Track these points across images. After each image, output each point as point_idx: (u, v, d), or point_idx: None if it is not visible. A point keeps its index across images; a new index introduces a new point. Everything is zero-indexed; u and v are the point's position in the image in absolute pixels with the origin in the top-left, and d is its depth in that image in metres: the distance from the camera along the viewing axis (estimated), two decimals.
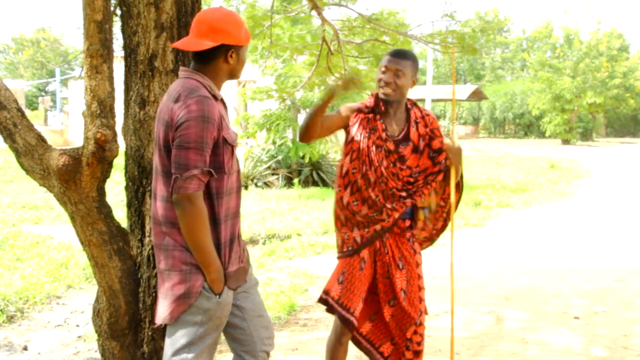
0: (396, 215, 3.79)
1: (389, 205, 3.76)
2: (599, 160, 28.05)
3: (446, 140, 3.89)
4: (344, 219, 3.86)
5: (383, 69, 3.77)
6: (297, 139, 3.79)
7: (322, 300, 3.89)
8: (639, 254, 8.97)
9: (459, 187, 3.96)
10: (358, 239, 3.82)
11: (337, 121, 3.84)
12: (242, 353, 3.12)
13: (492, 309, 6.29)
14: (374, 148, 3.75)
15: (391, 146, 3.77)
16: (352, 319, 3.77)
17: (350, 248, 3.84)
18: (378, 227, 3.79)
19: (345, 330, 3.84)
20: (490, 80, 64.39)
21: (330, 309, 3.84)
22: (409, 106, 3.91)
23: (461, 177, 3.95)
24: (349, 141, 3.83)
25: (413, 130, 3.83)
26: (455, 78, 4.16)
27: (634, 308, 6.37)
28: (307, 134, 3.70)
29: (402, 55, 3.77)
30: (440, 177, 3.87)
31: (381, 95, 3.80)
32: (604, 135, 57.11)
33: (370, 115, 3.81)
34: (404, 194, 3.79)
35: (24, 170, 3.72)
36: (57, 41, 54.43)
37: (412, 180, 3.83)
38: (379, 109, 3.82)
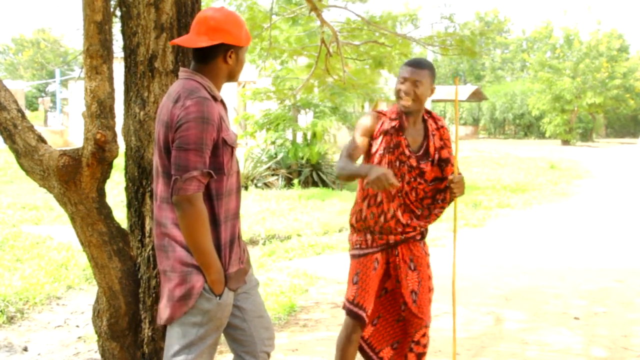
0: (411, 233, 3.81)
1: (404, 221, 3.77)
2: (599, 161, 28.06)
3: (450, 176, 3.85)
4: (360, 227, 3.88)
5: (401, 79, 3.75)
6: (337, 178, 3.91)
7: (343, 306, 3.92)
8: (638, 255, 8.97)
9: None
10: (369, 240, 3.84)
11: (366, 144, 3.84)
12: (242, 354, 3.12)
13: (492, 309, 6.29)
14: (397, 163, 3.75)
15: (414, 162, 3.78)
16: (363, 314, 3.78)
17: (358, 246, 3.87)
18: (392, 239, 3.81)
19: (356, 327, 3.84)
20: (490, 81, 64.38)
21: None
22: (425, 117, 3.90)
23: None
24: (372, 154, 3.82)
25: (431, 144, 3.84)
26: (457, 100, 4.14)
27: (634, 308, 6.37)
28: (347, 180, 3.88)
29: (419, 65, 3.75)
30: (447, 195, 3.86)
31: (400, 107, 3.78)
32: (604, 136, 57.09)
33: (395, 130, 3.80)
34: (419, 212, 3.81)
35: (24, 171, 3.72)
36: (57, 42, 54.42)
37: (429, 194, 3.84)
38: (403, 125, 3.81)
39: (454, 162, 3.88)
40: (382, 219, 3.77)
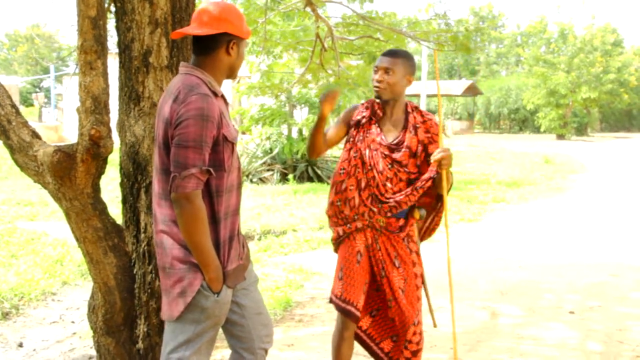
0: (378, 218, 3.79)
1: (374, 209, 3.77)
2: (594, 155, 28.11)
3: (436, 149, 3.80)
4: (331, 214, 3.92)
5: (375, 68, 3.81)
6: (307, 155, 3.93)
7: (331, 301, 3.94)
8: (633, 249, 8.99)
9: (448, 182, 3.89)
10: (341, 232, 3.88)
11: (340, 131, 3.95)
12: (240, 350, 3.11)
13: (488, 304, 6.30)
14: (367, 151, 3.77)
15: (385, 151, 3.78)
16: (353, 309, 3.78)
17: (334, 242, 3.96)
18: (359, 224, 3.81)
19: (348, 323, 3.84)
20: (485, 76, 64.45)
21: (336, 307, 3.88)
22: (409, 110, 3.89)
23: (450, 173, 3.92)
24: (346, 142, 3.91)
25: (410, 135, 3.81)
26: (438, 77, 4.14)
27: (629, 303, 6.38)
28: (313, 151, 3.90)
29: (392, 54, 3.80)
30: (429, 183, 3.80)
31: (374, 95, 3.84)
32: (598, 130, 57.21)
33: (366, 119, 3.83)
34: (391, 201, 3.76)
35: (19, 166, 3.71)
36: (51, 37, 54.29)
37: (405, 186, 3.81)
38: (375, 113, 3.83)
39: (439, 139, 3.85)
40: (347, 206, 3.80)
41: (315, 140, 3.84)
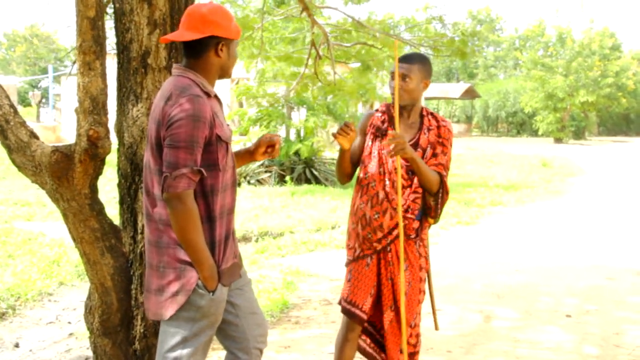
0: (394, 232, 3.77)
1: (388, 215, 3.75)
2: (592, 159, 28.14)
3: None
4: (351, 229, 3.88)
5: (392, 75, 3.78)
6: (338, 182, 3.93)
7: (339, 303, 3.93)
8: (630, 252, 9.00)
9: (445, 191, 3.85)
10: (358, 251, 3.83)
11: (361, 143, 3.91)
12: (235, 350, 3.11)
13: (484, 307, 6.30)
14: (383, 155, 3.76)
15: None
16: (358, 312, 3.77)
17: (350, 258, 3.88)
18: (378, 246, 3.78)
19: (352, 325, 3.84)
20: (483, 79, 64.40)
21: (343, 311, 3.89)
22: (424, 113, 3.90)
23: (444, 184, 3.86)
24: (365, 147, 3.88)
25: (424, 137, 3.81)
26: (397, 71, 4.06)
27: (626, 306, 6.39)
28: (344, 177, 3.93)
29: (408, 60, 3.78)
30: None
31: (391, 101, 3.81)
32: (596, 134, 57.20)
33: (386, 123, 3.83)
34: (406, 205, 3.76)
35: (16, 166, 3.71)
36: (49, 38, 54.25)
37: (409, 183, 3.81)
38: (392, 117, 3.81)
39: (395, 122, 3.82)
40: (368, 205, 3.76)
41: (343, 168, 3.88)
